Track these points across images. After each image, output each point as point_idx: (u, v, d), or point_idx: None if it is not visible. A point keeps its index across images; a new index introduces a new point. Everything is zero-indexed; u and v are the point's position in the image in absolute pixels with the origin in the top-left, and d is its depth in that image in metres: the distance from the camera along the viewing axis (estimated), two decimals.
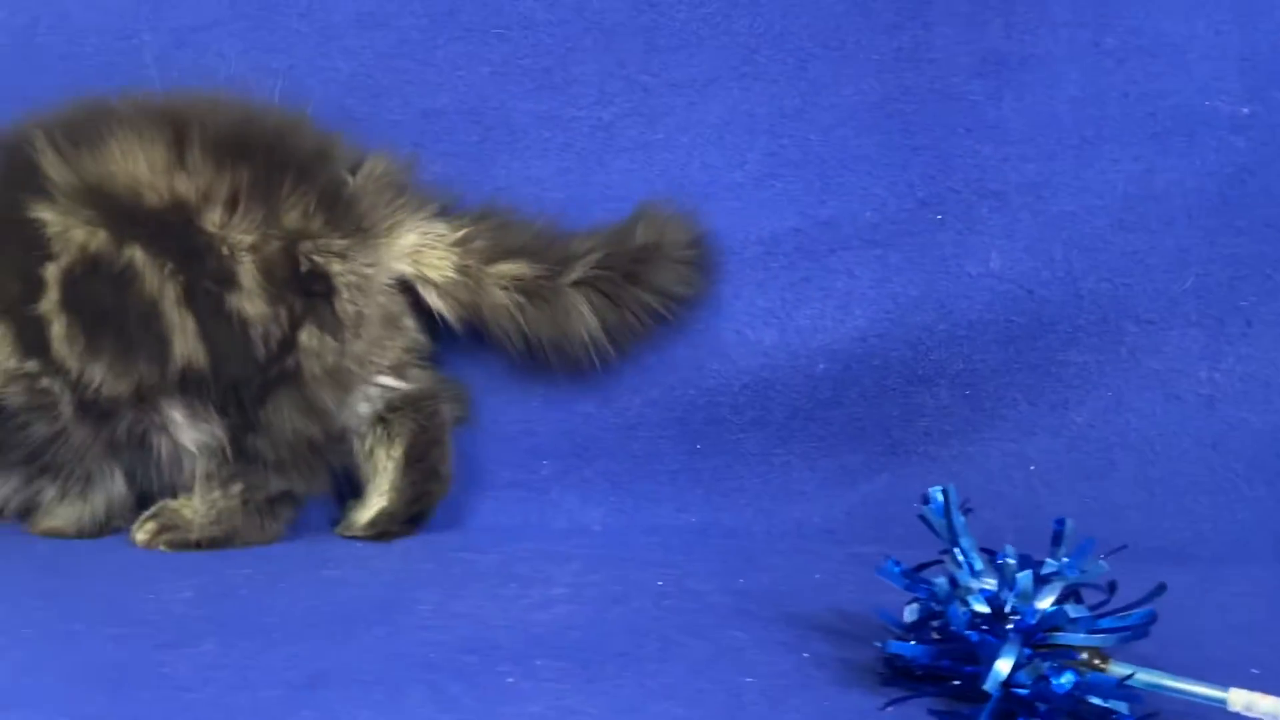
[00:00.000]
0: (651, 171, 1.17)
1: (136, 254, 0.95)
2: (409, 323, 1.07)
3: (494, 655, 0.75)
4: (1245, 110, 1.14)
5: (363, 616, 0.82)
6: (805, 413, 1.14)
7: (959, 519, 0.72)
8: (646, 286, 1.09)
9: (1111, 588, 0.72)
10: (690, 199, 1.16)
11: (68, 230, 0.96)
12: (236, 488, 1.00)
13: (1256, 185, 1.13)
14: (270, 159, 0.99)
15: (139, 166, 0.97)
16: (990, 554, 0.74)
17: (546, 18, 1.16)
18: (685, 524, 1.13)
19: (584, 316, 1.07)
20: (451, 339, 1.13)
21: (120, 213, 0.96)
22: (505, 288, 1.06)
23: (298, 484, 1.02)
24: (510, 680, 0.70)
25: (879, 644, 0.74)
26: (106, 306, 0.95)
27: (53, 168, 0.97)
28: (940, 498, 0.73)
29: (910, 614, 0.73)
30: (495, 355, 1.13)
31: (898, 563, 0.74)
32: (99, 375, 0.95)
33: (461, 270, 1.06)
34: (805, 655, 0.77)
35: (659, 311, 1.10)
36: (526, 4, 1.16)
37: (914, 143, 1.15)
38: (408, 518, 1.06)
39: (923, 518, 0.74)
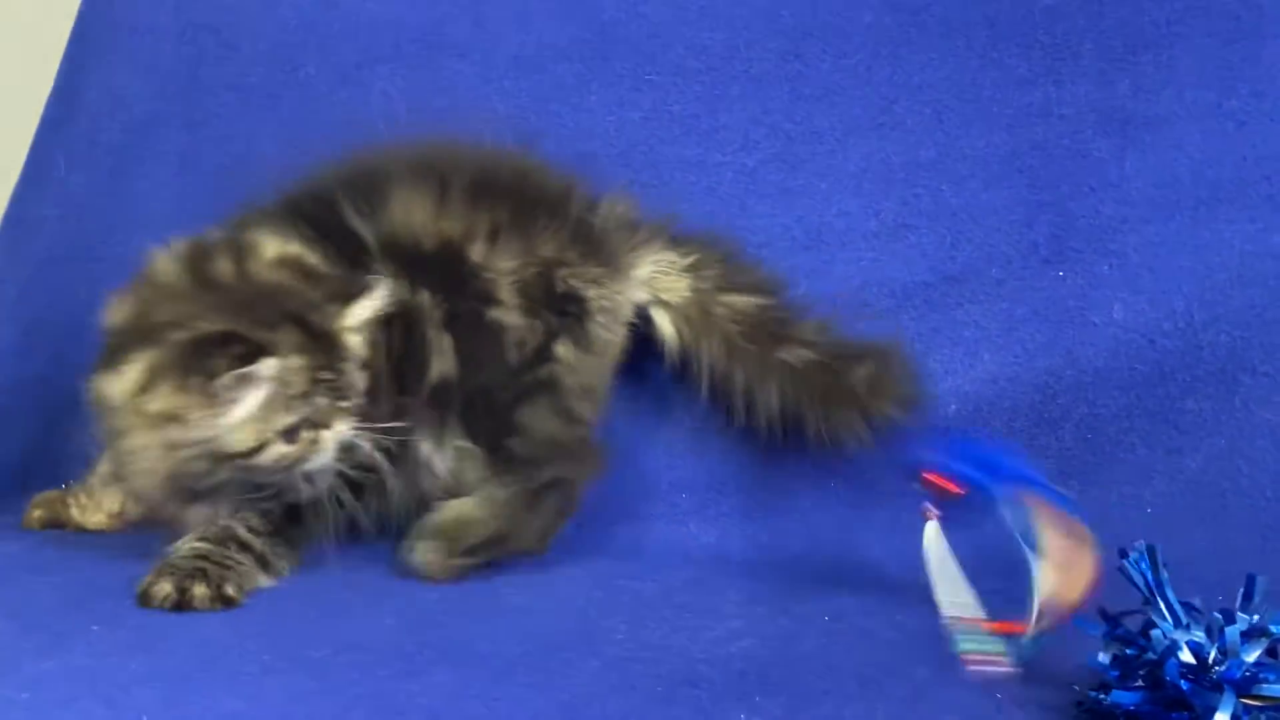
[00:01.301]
0: (790, 218, 1.22)
1: (425, 298, 1.02)
2: (610, 381, 1.13)
3: (713, 690, 0.79)
4: None
5: (569, 646, 0.86)
6: None
7: (1164, 573, 0.77)
8: (827, 421, 1.11)
9: None
10: (827, 247, 1.22)
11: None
12: (509, 479, 1.04)
13: None
14: (521, 198, 1.05)
15: (415, 217, 1.03)
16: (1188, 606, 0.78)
17: (696, 66, 1.21)
18: (820, 556, 1.17)
19: (771, 390, 1.11)
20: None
21: (409, 261, 1.02)
22: (734, 320, 1.12)
23: (566, 471, 1.06)
24: (742, 717, 0.75)
25: (1075, 687, 0.79)
26: (400, 350, 1.01)
27: (363, 228, 1.02)
28: (1144, 553, 0.78)
29: (1105, 657, 0.78)
30: (642, 392, 1.18)
31: (1104, 613, 0.79)
32: (382, 406, 1.00)
33: (695, 292, 1.12)
34: (998, 695, 0.81)
35: (824, 441, 1.12)
36: (677, 52, 1.21)
37: (1040, 198, 1.20)
38: None
39: (1121, 570, 0.79)
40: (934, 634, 0.93)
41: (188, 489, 0.94)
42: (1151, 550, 0.78)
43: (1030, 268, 1.19)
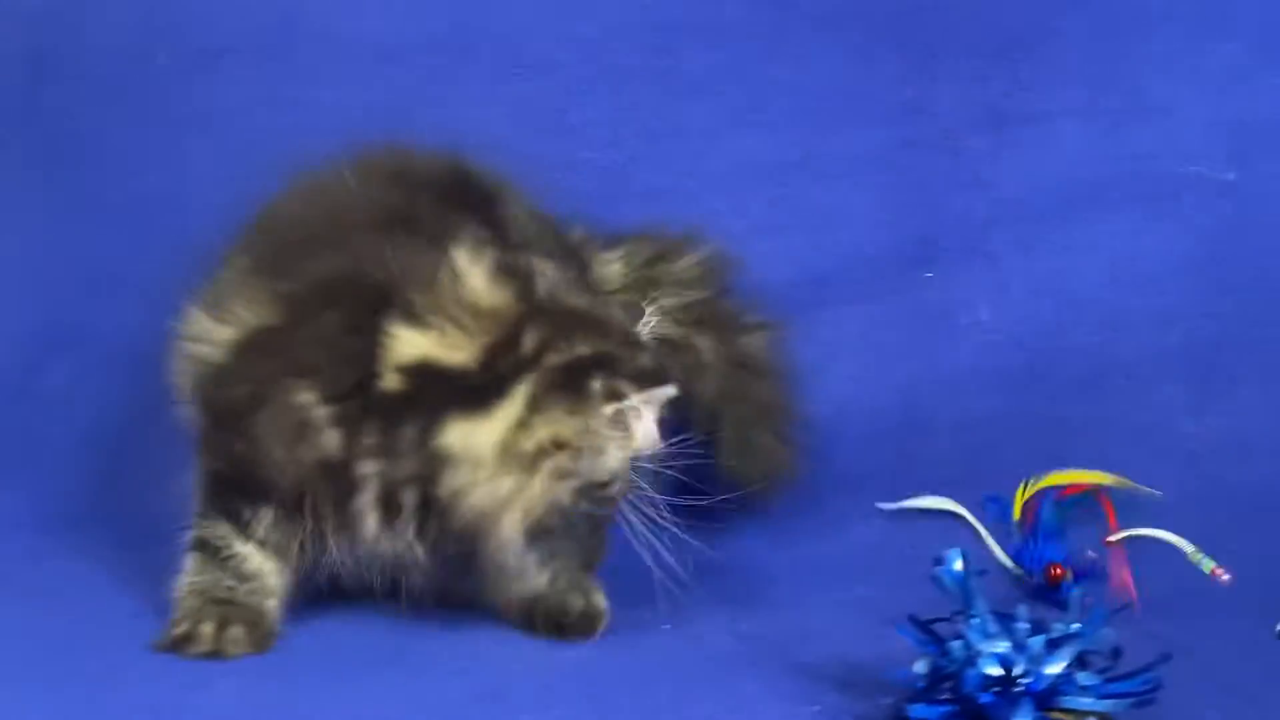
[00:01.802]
0: (658, 217, 1.19)
1: None
2: None
3: (513, 703, 0.76)
4: (1230, 176, 1.19)
5: (377, 659, 0.83)
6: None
7: (974, 581, 0.75)
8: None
9: (1116, 654, 0.75)
10: None
11: None
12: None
13: (1241, 247, 1.19)
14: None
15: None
16: (1001, 616, 0.76)
17: (563, 59, 1.19)
18: (680, 562, 1.15)
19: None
20: None
21: None
22: (684, 284, 1.09)
23: None
24: None
25: (889, 700, 0.77)
26: None
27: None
28: (957, 560, 0.76)
29: (921, 668, 0.76)
30: None
31: (915, 621, 0.77)
32: None
33: (631, 269, 1.09)
34: (816, 708, 0.79)
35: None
36: (544, 46, 1.18)
37: (912, 199, 1.19)
38: None
39: (935, 579, 0.77)
40: (773, 645, 0.91)
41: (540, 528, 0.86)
42: (964, 556, 0.76)
43: (897, 269, 1.18)
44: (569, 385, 0.83)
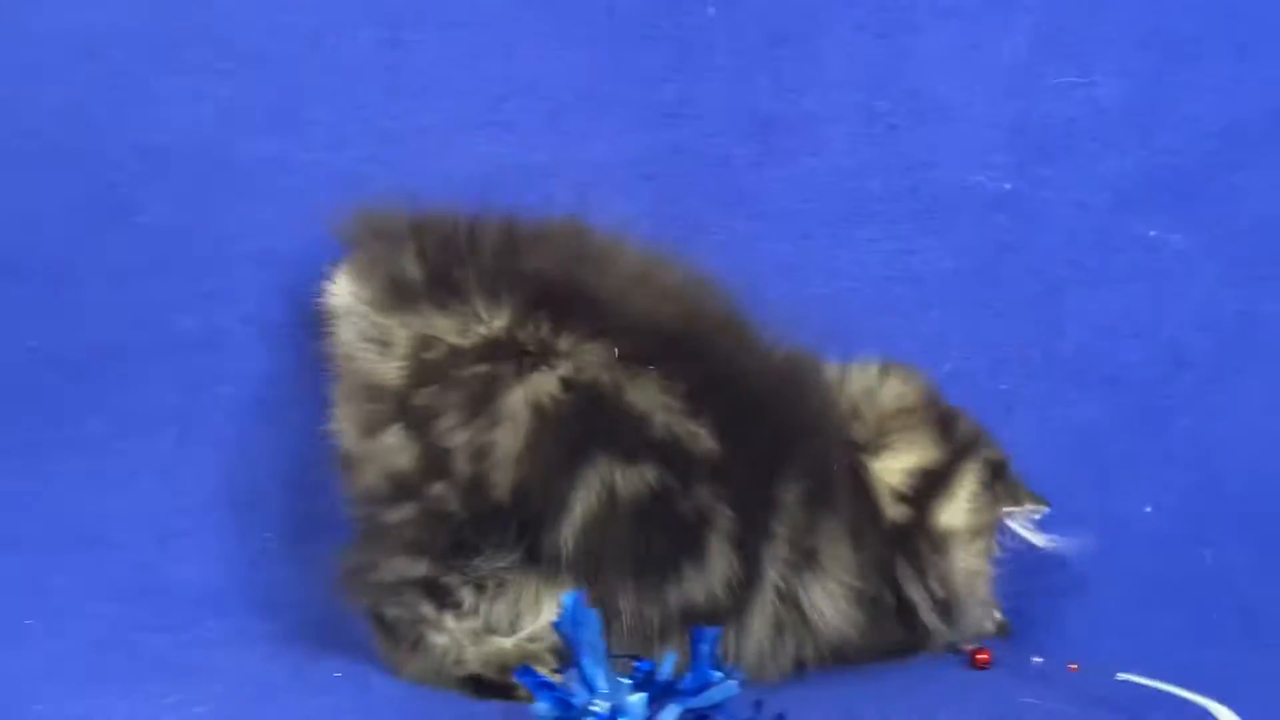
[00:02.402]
0: None
1: None
2: None
3: None
4: (1007, 186, 1.10)
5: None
6: None
7: (583, 631, 0.66)
8: None
9: (758, 707, 0.68)
10: None
11: None
12: None
13: (1016, 264, 1.11)
14: None
15: None
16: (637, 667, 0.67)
17: (279, 52, 1.08)
18: None
19: None
20: None
21: None
22: None
23: None
24: None
25: None
26: None
27: None
28: (571, 606, 0.67)
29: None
30: None
31: (527, 671, 0.68)
32: None
33: None
34: None
35: None
36: (257, 39, 1.07)
37: (667, 211, 1.09)
38: None
39: (557, 627, 0.67)
40: (439, 695, 0.82)
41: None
42: (577, 602, 0.67)
43: None
44: (987, 481, 0.95)
